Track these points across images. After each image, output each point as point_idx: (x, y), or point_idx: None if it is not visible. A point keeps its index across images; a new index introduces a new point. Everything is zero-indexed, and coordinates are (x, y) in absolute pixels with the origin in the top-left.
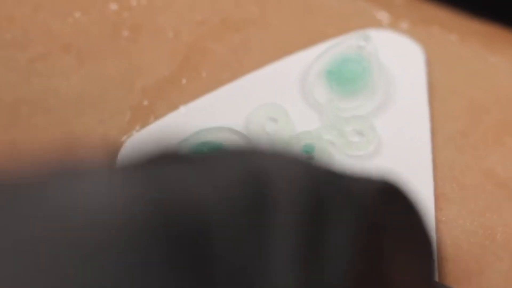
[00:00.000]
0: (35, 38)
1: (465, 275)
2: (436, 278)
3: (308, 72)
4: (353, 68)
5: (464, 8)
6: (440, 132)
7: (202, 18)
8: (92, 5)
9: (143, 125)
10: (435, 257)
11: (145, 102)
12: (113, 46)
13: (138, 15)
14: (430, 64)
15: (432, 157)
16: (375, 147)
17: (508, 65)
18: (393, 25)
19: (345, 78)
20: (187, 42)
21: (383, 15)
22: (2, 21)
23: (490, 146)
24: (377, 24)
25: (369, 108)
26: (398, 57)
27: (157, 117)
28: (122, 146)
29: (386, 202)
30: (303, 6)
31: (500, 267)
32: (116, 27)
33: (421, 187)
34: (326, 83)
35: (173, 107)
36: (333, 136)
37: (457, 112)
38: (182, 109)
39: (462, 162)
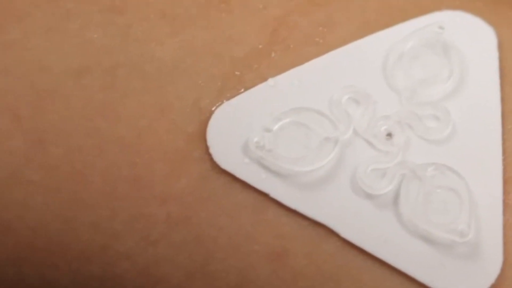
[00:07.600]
0: (132, 4)
1: None
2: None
3: (388, 55)
4: (431, 53)
5: None
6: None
7: None
8: None
9: (232, 95)
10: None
11: (236, 72)
12: (205, 15)
13: None
14: (502, 47)
15: (502, 141)
16: (450, 132)
17: None
18: (468, 5)
19: (423, 63)
20: (275, 15)
21: None
22: None
23: None
24: (451, 3)
25: (444, 92)
26: (471, 40)
27: (246, 88)
28: (212, 114)
29: None
30: None
31: None
32: None
33: (490, 171)
34: (405, 66)
35: (262, 78)
36: (411, 120)
37: None
38: (271, 81)
39: None
